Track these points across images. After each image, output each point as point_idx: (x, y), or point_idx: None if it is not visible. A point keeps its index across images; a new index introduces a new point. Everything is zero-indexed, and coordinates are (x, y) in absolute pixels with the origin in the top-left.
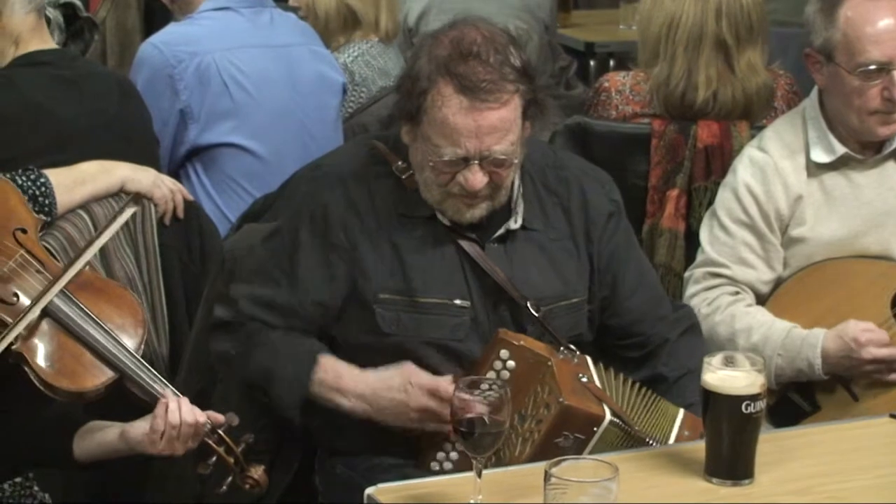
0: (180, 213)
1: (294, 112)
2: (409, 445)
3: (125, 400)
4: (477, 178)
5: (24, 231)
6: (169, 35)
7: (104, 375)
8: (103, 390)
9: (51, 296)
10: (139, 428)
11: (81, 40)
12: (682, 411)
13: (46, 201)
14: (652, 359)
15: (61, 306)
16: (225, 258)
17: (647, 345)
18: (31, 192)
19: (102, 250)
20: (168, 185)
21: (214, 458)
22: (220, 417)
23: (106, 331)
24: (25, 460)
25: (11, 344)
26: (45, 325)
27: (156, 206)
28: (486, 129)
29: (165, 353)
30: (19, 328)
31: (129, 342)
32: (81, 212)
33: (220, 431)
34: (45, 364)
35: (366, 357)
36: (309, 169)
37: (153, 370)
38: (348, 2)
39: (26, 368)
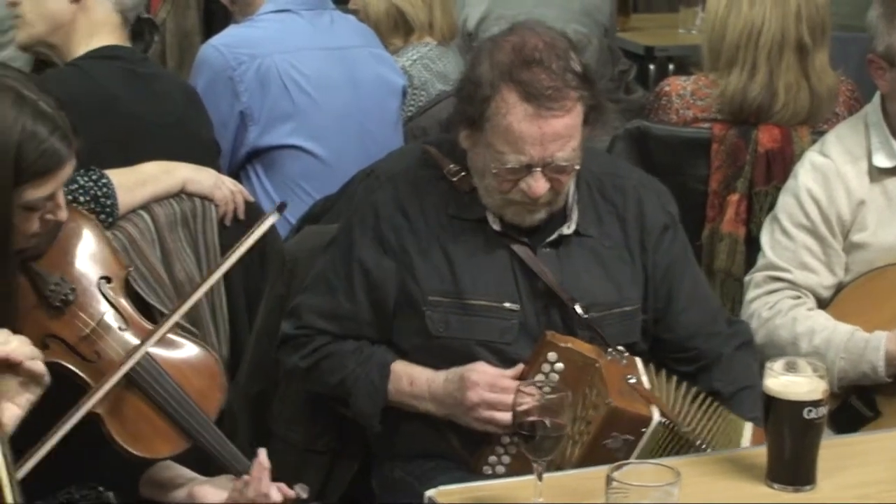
0: (241, 215)
1: (354, 114)
2: (464, 448)
3: None
4: (540, 184)
5: (108, 280)
6: (229, 37)
7: (178, 445)
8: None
9: (134, 361)
10: (209, 494)
11: (142, 41)
12: (749, 424)
13: (108, 202)
14: (706, 374)
15: (141, 371)
16: (285, 260)
17: (701, 359)
18: (92, 192)
19: (164, 252)
20: (228, 187)
21: None
22: (290, 493)
23: (184, 398)
24: (91, 479)
25: (91, 408)
26: (123, 388)
27: (216, 207)
28: (551, 136)
29: (225, 355)
30: (100, 394)
31: (207, 409)
32: (143, 212)
33: None
34: (121, 428)
35: (416, 359)
36: (364, 173)
37: (227, 441)
38: (398, 4)
39: (103, 428)
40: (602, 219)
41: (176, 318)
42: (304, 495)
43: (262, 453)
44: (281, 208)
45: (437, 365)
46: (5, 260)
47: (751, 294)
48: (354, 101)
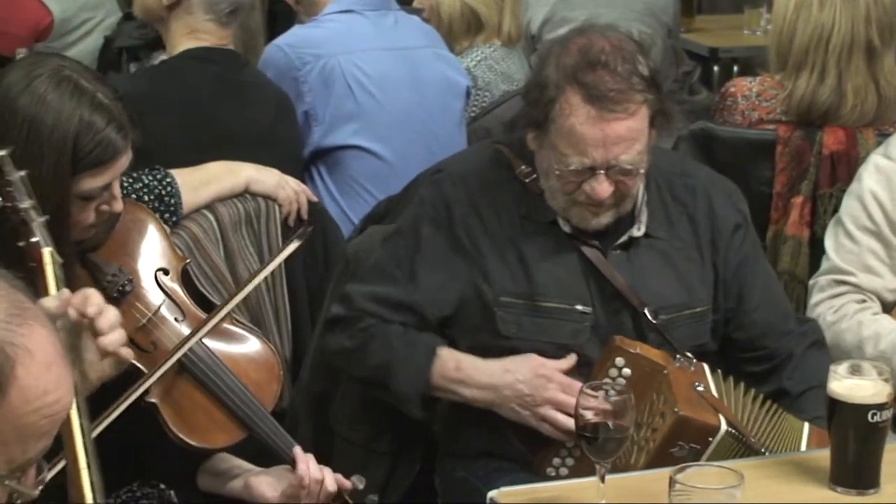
0: (304, 215)
1: (418, 114)
2: (527, 450)
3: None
4: (603, 187)
5: (166, 272)
6: (294, 37)
7: (234, 435)
8: (232, 446)
9: (188, 346)
10: (265, 484)
11: None
12: (806, 425)
13: (172, 201)
14: (776, 373)
15: (197, 361)
16: (348, 260)
17: (772, 359)
18: (157, 191)
19: (228, 252)
20: (292, 187)
21: None
22: (346, 483)
23: (241, 389)
24: (150, 476)
25: (145, 393)
26: (179, 378)
27: (280, 207)
28: (614, 139)
29: (288, 355)
30: (153, 379)
31: (263, 400)
32: (206, 211)
33: (345, 496)
34: (177, 418)
35: (484, 358)
36: (431, 171)
37: (284, 431)
38: (472, 5)
39: (159, 418)
40: (672, 220)
41: (232, 304)
42: (361, 486)
43: (297, 451)
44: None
45: None
46: (63, 248)
47: (815, 298)
48: (418, 101)
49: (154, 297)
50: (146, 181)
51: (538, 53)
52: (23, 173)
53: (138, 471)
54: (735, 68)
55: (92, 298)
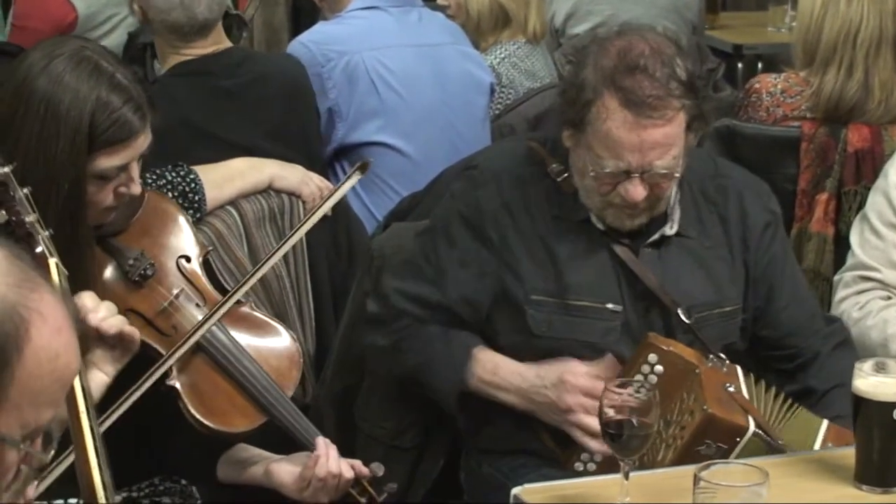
0: (329, 211)
1: (442, 111)
2: (556, 445)
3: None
4: (638, 190)
5: (188, 259)
6: (318, 34)
7: (255, 419)
8: (252, 432)
9: (206, 328)
10: (285, 472)
11: (230, 37)
12: (825, 422)
13: (196, 198)
14: (803, 372)
15: (217, 344)
16: (372, 256)
17: (799, 357)
18: (180, 188)
19: (252, 248)
20: (316, 183)
21: None
22: (364, 470)
23: (261, 374)
24: (171, 470)
25: (166, 376)
26: (200, 361)
27: (304, 203)
28: (650, 144)
29: (312, 351)
30: (172, 360)
31: (284, 385)
32: (230, 207)
33: (364, 482)
34: (197, 401)
35: (515, 358)
36: (464, 166)
37: (304, 417)
38: (501, 0)
39: (179, 403)
40: (703, 219)
41: (251, 283)
42: (380, 473)
43: (320, 441)
44: (364, 168)
45: (536, 363)
46: (80, 228)
47: (840, 294)
48: (442, 98)
49: (175, 282)
50: (170, 178)
51: (572, 50)
52: (26, 190)
53: (159, 465)
54: (759, 65)
55: (84, 299)
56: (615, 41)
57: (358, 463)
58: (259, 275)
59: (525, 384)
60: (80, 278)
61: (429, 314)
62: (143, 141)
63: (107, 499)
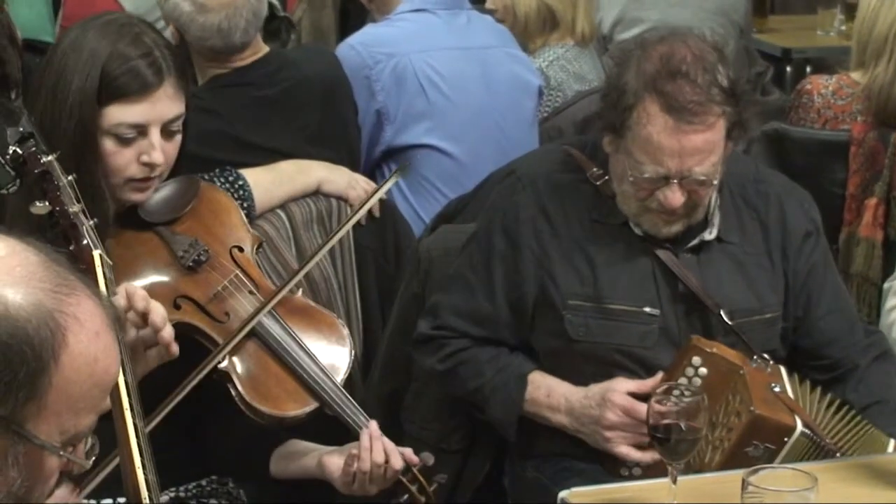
0: (376, 213)
1: (490, 114)
2: (599, 450)
3: (325, 417)
4: (676, 196)
5: (241, 249)
6: (366, 36)
7: (306, 404)
8: (303, 417)
9: (263, 314)
10: (335, 465)
11: (278, 40)
12: (893, 441)
13: (245, 204)
14: (840, 384)
15: (271, 330)
16: (420, 259)
17: (837, 368)
18: (229, 194)
19: (300, 250)
20: (363, 186)
21: (406, 497)
22: (414, 458)
23: (313, 360)
24: (222, 469)
25: (219, 362)
26: (253, 347)
27: (351, 206)
28: (690, 150)
29: (359, 353)
30: (230, 346)
31: (335, 373)
32: (280, 212)
33: (415, 470)
34: (250, 386)
35: (555, 362)
36: (502, 173)
37: (355, 403)
38: (549, 2)
39: (231, 388)
40: (744, 225)
41: (304, 271)
42: (430, 462)
43: (373, 424)
44: (403, 169)
45: (574, 368)
46: (96, 191)
47: (891, 302)
48: (490, 100)
49: (228, 269)
50: (219, 183)
51: (618, 53)
52: (71, 177)
53: (208, 465)
54: (808, 69)
55: (137, 294)
56: (658, 46)
57: (408, 451)
58: (312, 263)
59: (576, 405)
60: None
61: (481, 330)
62: (163, 103)
63: (151, 499)
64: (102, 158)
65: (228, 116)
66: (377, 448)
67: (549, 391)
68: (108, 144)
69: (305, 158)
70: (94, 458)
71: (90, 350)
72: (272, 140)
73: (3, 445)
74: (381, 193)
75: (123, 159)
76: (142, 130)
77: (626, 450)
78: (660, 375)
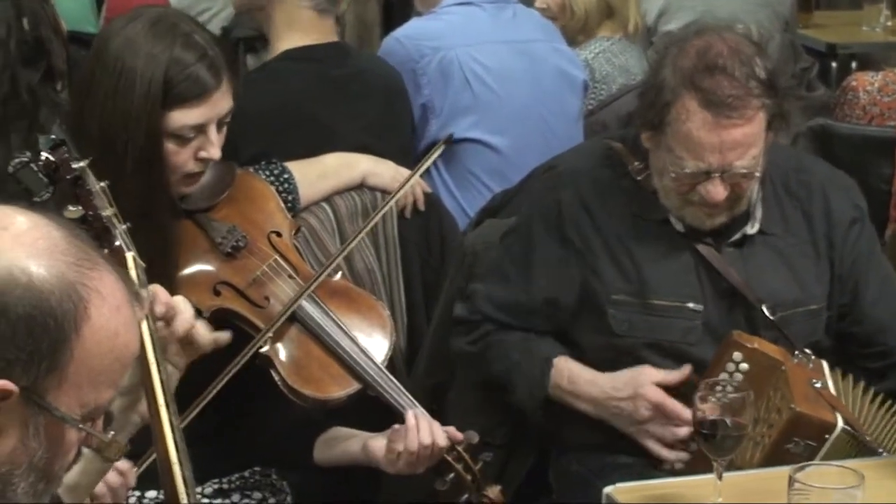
0: (421, 206)
1: (535, 108)
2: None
3: (368, 404)
4: (718, 190)
5: (278, 234)
6: (412, 30)
7: (349, 386)
8: (346, 400)
9: (303, 298)
10: (379, 447)
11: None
12: None
13: (290, 197)
14: (893, 371)
15: (311, 313)
16: (465, 253)
17: (890, 356)
18: (274, 187)
19: (343, 241)
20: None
21: (452, 475)
22: (459, 435)
23: (354, 342)
24: (266, 458)
25: (260, 347)
26: (294, 331)
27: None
28: (730, 144)
29: (403, 346)
30: (271, 331)
31: (376, 354)
32: (324, 204)
33: (460, 449)
34: (292, 370)
35: (598, 358)
36: (544, 168)
37: (398, 383)
38: None
39: (273, 372)
40: (787, 216)
41: (346, 251)
42: (475, 440)
43: (410, 415)
44: (448, 140)
45: (617, 363)
46: (160, 197)
47: None
48: (535, 94)
49: (267, 254)
50: (264, 176)
51: (655, 51)
52: (103, 184)
53: (252, 457)
54: (853, 65)
55: (159, 295)
56: (693, 41)
57: (452, 429)
58: (355, 242)
59: (601, 395)
60: (157, 243)
61: (515, 319)
62: (221, 102)
63: (188, 494)
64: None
65: (295, 87)
66: (423, 427)
67: (570, 377)
68: (169, 146)
69: (358, 146)
70: (112, 433)
71: (111, 324)
72: (330, 118)
73: (25, 416)
74: (430, 163)
75: (183, 157)
76: (201, 129)
77: (657, 448)
78: (687, 368)
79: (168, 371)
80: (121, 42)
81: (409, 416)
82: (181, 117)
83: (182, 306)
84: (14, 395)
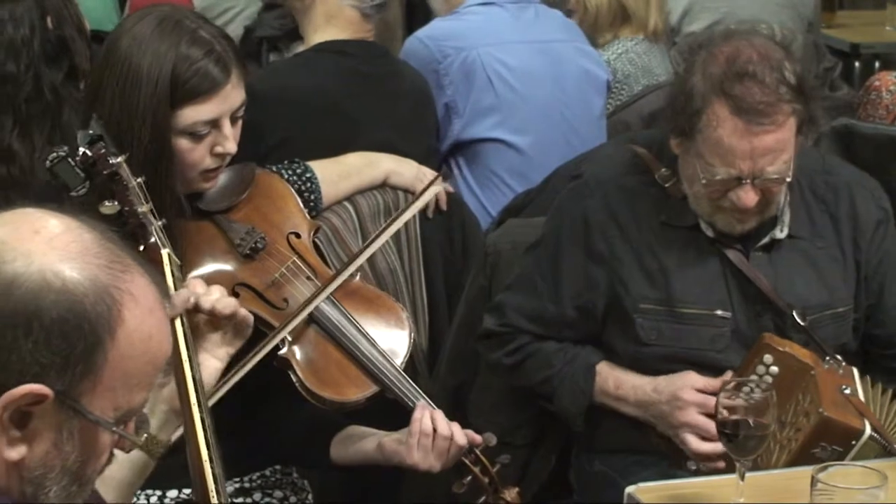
0: (443, 206)
1: (557, 108)
2: (668, 444)
3: (385, 406)
4: (749, 196)
5: (297, 235)
6: (434, 30)
7: (367, 388)
8: (364, 402)
9: (320, 300)
10: (394, 440)
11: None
12: None
13: (312, 196)
14: None
15: (329, 315)
16: (487, 252)
17: None
18: (296, 186)
19: (365, 240)
20: (430, 179)
21: (469, 478)
22: (477, 438)
23: (373, 344)
24: (284, 457)
25: (278, 349)
26: (312, 333)
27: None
28: (762, 150)
29: (425, 346)
30: (286, 330)
31: (395, 356)
32: (347, 203)
33: (477, 451)
34: (310, 372)
35: (626, 365)
36: (569, 174)
37: (416, 386)
38: None
39: (291, 374)
40: (814, 219)
41: (366, 255)
42: (493, 442)
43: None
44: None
45: (646, 371)
46: (166, 183)
47: None
48: (558, 94)
49: (286, 255)
50: (286, 176)
51: (678, 51)
52: (140, 179)
53: (273, 456)
54: (877, 65)
55: (195, 286)
56: (723, 47)
57: (471, 432)
58: (376, 247)
59: (643, 398)
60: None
61: (546, 330)
62: (232, 95)
63: (217, 492)
64: (178, 156)
65: (326, 78)
66: (438, 416)
67: (617, 382)
68: (183, 143)
69: (384, 143)
70: (145, 435)
71: (145, 326)
72: (357, 111)
73: (59, 420)
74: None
75: (198, 154)
76: (214, 124)
77: (696, 444)
78: (728, 375)
79: (211, 366)
80: (128, 41)
81: (420, 404)
82: (193, 114)
83: (223, 290)
84: (49, 399)
